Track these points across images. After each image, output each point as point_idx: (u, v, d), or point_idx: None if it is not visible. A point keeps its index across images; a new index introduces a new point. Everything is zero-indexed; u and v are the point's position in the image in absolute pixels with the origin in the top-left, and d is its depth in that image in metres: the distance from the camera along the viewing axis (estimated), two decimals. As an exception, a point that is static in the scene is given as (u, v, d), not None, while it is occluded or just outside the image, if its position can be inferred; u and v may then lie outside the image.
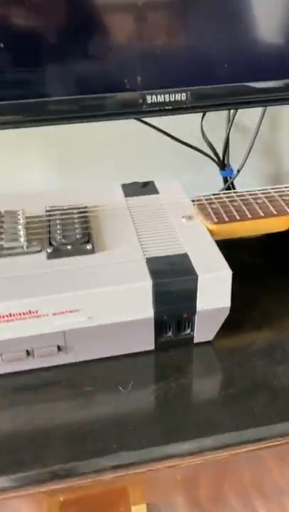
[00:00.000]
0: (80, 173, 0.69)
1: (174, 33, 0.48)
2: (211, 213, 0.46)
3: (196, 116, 0.67)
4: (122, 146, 0.69)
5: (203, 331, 0.43)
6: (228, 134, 0.69)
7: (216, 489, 0.40)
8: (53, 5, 0.44)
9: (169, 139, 0.66)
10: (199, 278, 0.39)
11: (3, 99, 0.46)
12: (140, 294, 0.39)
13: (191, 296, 0.40)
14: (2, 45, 0.43)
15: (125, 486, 0.39)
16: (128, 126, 0.62)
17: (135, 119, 0.54)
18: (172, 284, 0.39)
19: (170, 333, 0.43)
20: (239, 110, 0.67)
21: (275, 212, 0.46)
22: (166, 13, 0.47)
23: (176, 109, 0.50)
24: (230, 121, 0.68)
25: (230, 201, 0.48)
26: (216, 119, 0.69)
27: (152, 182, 0.54)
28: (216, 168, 0.71)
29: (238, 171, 0.70)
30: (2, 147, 0.66)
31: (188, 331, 0.43)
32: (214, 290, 0.40)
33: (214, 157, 0.70)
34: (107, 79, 0.48)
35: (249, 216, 0.45)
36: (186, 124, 0.64)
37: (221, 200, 0.48)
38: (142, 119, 0.63)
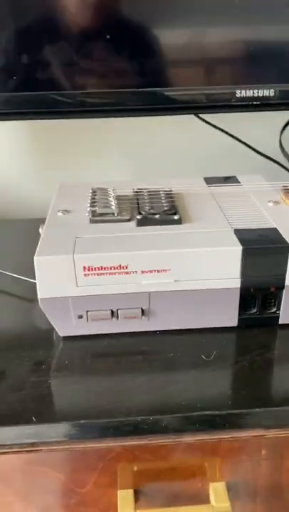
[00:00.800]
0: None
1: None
2: (299, 197, 0.46)
3: (275, 132, 0.69)
4: (204, 155, 0.71)
5: (290, 310, 0.42)
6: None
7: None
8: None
9: (246, 149, 0.67)
10: (291, 247, 0.39)
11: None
12: (229, 260, 0.39)
13: (280, 266, 0.39)
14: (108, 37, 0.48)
15: (203, 461, 0.37)
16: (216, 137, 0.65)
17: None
18: (262, 251, 0.39)
19: (255, 310, 0.42)
20: None
21: None
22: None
23: (264, 104, 0.52)
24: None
25: None
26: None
27: (235, 176, 0.55)
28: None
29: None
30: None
31: (274, 309, 0.42)
32: (305, 263, 0.39)
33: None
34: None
35: None
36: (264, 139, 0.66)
37: (308, 188, 0.48)
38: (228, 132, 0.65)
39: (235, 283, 0.40)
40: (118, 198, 0.47)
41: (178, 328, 0.42)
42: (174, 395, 0.35)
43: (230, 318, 0.42)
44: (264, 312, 0.42)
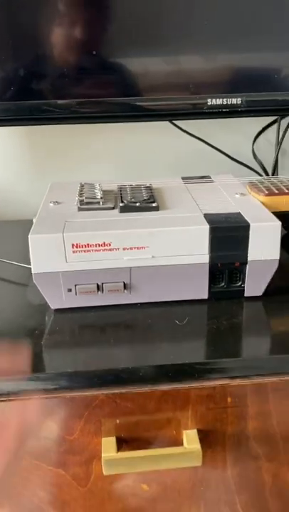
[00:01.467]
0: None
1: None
2: (263, 188, 0.52)
3: (248, 139, 0.76)
4: (174, 159, 0.78)
5: (254, 284, 0.47)
6: (277, 155, 0.76)
7: (263, 422, 0.42)
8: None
9: (221, 156, 0.74)
10: (251, 226, 0.45)
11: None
12: (198, 238, 0.45)
13: (243, 243, 0.45)
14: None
15: (176, 410, 0.42)
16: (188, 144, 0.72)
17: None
18: (226, 229, 0.45)
19: (223, 283, 0.47)
20: (287, 134, 0.75)
21: None
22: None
23: (232, 112, 0.59)
24: (279, 144, 0.76)
25: (280, 181, 0.54)
26: (266, 144, 0.78)
27: (209, 176, 0.62)
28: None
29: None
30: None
31: (240, 283, 0.48)
32: (264, 241, 0.45)
33: (264, 175, 0.77)
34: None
35: (297, 190, 0.51)
36: (239, 147, 0.74)
37: (271, 181, 0.54)
38: (203, 139, 0.72)
39: (205, 258, 0.46)
40: (104, 191, 0.53)
41: (156, 300, 0.47)
42: (151, 352, 0.40)
43: (201, 291, 0.47)
44: (231, 286, 0.48)
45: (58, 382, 0.39)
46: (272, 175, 0.78)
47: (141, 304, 0.47)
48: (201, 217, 0.47)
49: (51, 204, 0.51)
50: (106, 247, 0.44)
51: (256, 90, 0.59)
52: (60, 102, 0.58)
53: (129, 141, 0.76)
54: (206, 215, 0.47)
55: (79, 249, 0.44)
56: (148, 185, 0.56)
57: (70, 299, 0.46)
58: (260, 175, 0.77)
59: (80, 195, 0.52)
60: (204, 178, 0.61)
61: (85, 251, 0.44)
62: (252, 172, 0.76)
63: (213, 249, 0.45)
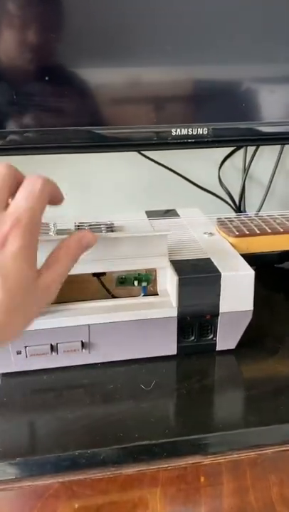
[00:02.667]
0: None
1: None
2: (232, 228, 0.48)
3: (214, 166, 0.73)
4: (140, 187, 0.73)
5: (226, 337, 0.43)
6: (244, 182, 0.73)
7: (240, 499, 0.37)
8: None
9: (187, 184, 0.71)
10: (222, 275, 0.40)
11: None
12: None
13: (214, 294, 0.41)
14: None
15: (143, 493, 0.37)
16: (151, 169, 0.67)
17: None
18: (196, 280, 0.40)
19: (193, 337, 0.43)
20: (253, 161, 0.72)
21: (293, 229, 0.48)
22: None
23: (198, 142, 0.55)
24: (246, 171, 0.73)
25: (250, 220, 0.50)
26: (232, 170, 0.75)
27: (174, 209, 0.57)
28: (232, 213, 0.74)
29: (255, 215, 0.73)
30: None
31: (211, 336, 0.43)
32: (237, 291, 0.41)
33: (231, 202, 0.74)
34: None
35: (269, 231, 0.48)
36: (204, 173, 0.70)
37: (241, 219, 0.51)
38: (164, 164, 0.68)
39: (173, 312, 0.41)
40: (59, 232, 0.48)
41: (119, 359, 0.42)
42: (112, 427, 0.35)
43: (169, 346, 0.43)
44: (201, 339, 0.43)
45: (3, 470, 0.33)
46: (240, 202, 0.75)
47: (101, 363, 0.42)
48: (168, 267, 0.42)
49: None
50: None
51: (222, 120, 0.55)
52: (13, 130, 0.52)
53: (91, 170, 0.71)
54: (173, 262, 0.42)
55: (29, 307, 0.38)
56: (109, 223, 0.51)
57: (19, 362, 0.40)
58: (227, 203, 0.74)
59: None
60: (169, 212, 0.57)
61: (35, 308, 0.39)
62: (218, 200, 0.73)
63: (182, 301, 0.41)
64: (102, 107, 0.53)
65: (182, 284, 0.40)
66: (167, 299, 0.42)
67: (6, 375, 0.41)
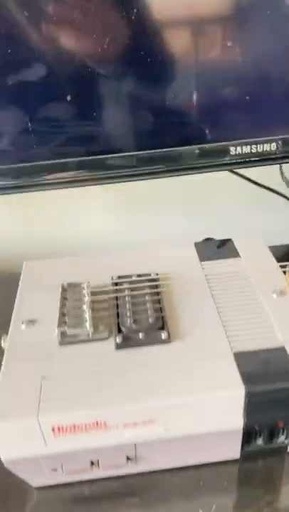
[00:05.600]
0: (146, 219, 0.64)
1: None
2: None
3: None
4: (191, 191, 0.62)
5: (301, 439, 0.35)
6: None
7: None
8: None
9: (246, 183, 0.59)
10: (304, 385, 0.32)
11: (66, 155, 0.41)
12: (229, 403, 0.32)
13: (290, 405, 0.33)
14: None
15: None
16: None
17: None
18: (269, 392, 0.32)
19: (260, 442, 0.35)
20: None
21: None
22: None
23: (265, 159, 0.43)
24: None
25: None
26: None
27: (231, 241, 0.47)
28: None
29: None
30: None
31: (283, 438, 0.35)
32: None
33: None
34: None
35: None
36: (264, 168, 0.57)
37: None
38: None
39: (238, 424, 0.33)
40: (93, 300, 0.39)
41: (170, 467, 0.36)
42: None
43: (231, 452, 0.35)
44: (271, 443, 0.36)
45: None
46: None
47: (150, 472, 0.36)
48: (231, 365, 0.33)
49: (23, 326, 0.38)
50: (99, 427, 0.32)
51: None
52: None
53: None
54: (237, 356, 0.34)
55: (62, 433, 0.31)
56: (154, 277, 0.42)
57: (55, 476, 0.34)
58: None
59: (62, 313, 0.38)
60: (225, 245, 0.46)
61: (70, 433, 0.31)
62: (280, 198, 0.61)
63: (250, 413, 0.33)
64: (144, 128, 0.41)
65: (250, 397, 0.32)
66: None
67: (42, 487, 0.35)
